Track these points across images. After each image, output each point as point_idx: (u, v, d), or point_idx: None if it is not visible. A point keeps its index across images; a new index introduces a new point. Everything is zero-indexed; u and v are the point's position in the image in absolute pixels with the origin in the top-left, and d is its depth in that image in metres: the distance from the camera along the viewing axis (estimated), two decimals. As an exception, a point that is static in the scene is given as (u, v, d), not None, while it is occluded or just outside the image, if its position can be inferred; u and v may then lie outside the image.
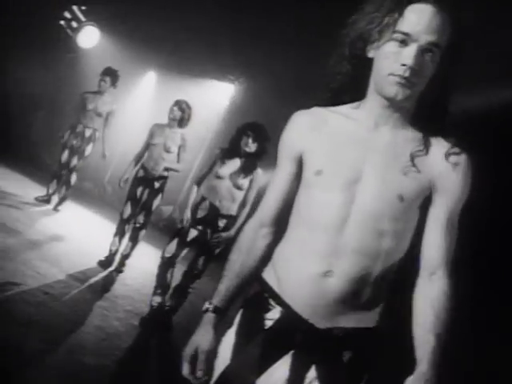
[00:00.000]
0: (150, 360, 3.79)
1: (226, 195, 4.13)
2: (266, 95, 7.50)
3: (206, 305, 1.51)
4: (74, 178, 6.78)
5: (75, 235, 6.00)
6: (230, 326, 1.54)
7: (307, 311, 1.40)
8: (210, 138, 8.64)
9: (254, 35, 6.81)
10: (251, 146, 4.08)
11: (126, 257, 5.29)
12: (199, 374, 1.42)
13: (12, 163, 8.21)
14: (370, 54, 1.41)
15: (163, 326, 4.21)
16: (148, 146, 5.30)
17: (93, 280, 4.72)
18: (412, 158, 1.39)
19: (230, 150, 4.21)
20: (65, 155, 6.70)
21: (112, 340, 3.68)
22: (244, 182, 4.12)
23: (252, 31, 6.79)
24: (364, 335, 1.42)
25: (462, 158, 1.39)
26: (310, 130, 1.48)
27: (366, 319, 1.43)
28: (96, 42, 9.25)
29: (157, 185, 5.24)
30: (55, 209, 6.70)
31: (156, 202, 5.29)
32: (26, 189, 7.25)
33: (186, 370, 1.43)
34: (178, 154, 5.24)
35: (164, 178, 5.26)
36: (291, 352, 1.42)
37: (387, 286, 1.45)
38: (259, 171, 4.16)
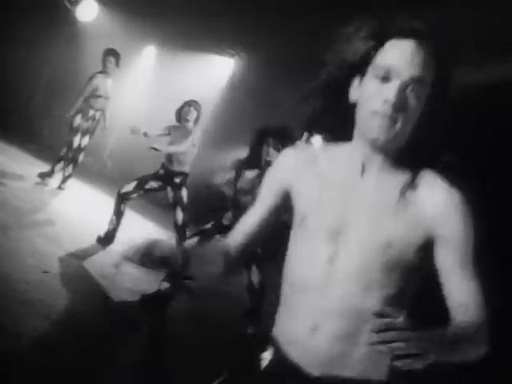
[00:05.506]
0: (148, 339, 3.84)
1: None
2: (266, 70, 7.45)
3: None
4: (81, 157, 6.87)
5: (75, 212, 6.04)
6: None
7: (299, 359, 1.33)
8: (210, 112, 8.59)
9: (254, 9, 6.72)
10: (273, 156, 3.65)
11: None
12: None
13: (11, 139, 8.18)
14: (353, 98, 1.32)
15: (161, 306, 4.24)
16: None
17: (92, 258, 4.76)
18: (399, 198, 1.29)
19: (250, 160, 3.81)
20: (77, 139, 6.74)
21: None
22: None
23: (251, 5, 6.70)
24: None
25: (457, 199, 1.27)
26: (297, 170, 1.41)
27: (358, 370, 1.32)
28: (95, 16, 9.12)
29: (176, 180, 5.32)
30: (60, 187, 6.72)
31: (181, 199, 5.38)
32: (26, 165, 7.26)
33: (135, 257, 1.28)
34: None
35: (184, 175, 5.35)
36: None
37: None
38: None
